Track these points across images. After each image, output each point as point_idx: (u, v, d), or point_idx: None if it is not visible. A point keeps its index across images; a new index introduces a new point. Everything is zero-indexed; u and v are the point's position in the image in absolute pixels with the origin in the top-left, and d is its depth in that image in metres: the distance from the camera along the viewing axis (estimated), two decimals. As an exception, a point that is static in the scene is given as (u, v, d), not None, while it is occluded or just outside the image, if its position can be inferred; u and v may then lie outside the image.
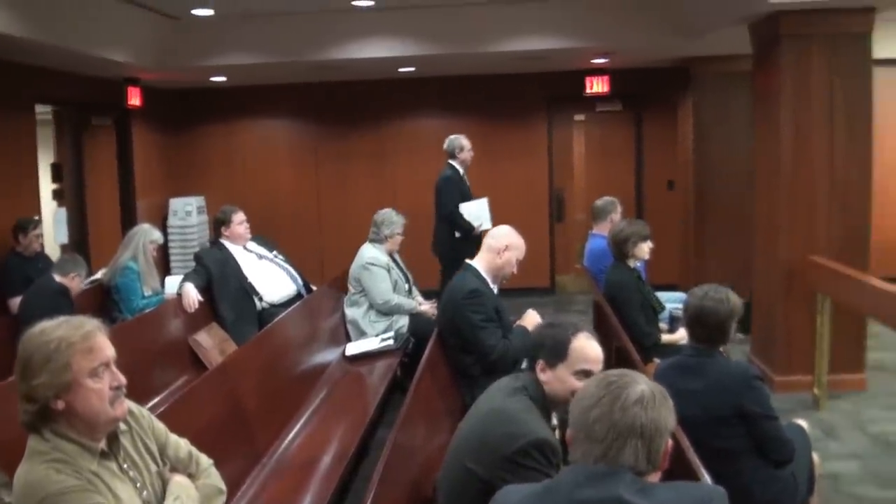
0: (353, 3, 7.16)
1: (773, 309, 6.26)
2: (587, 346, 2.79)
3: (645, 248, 5.30)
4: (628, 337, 4.49)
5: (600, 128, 10.22)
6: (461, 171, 7.53)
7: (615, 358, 4.47)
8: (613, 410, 1.91)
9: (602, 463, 1.91)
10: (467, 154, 7.53)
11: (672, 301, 5.80)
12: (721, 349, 3.35)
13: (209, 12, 7.23)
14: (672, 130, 9.86)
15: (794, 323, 6.11)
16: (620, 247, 5.26)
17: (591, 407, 1.94)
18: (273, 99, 10.13)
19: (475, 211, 7.43)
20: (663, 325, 5.39)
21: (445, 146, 7.57)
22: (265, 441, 4.11)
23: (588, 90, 9.66)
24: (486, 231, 7.23)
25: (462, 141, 7.52)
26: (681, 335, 4.89)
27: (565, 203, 10.27)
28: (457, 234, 7.39)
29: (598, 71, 9.53)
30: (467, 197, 7.47)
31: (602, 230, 6.22)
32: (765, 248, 6.44)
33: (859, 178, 5.99)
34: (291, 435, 4.37)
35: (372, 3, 7.19)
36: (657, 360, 4.51)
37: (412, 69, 8.97)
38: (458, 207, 7.37)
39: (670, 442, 1.98)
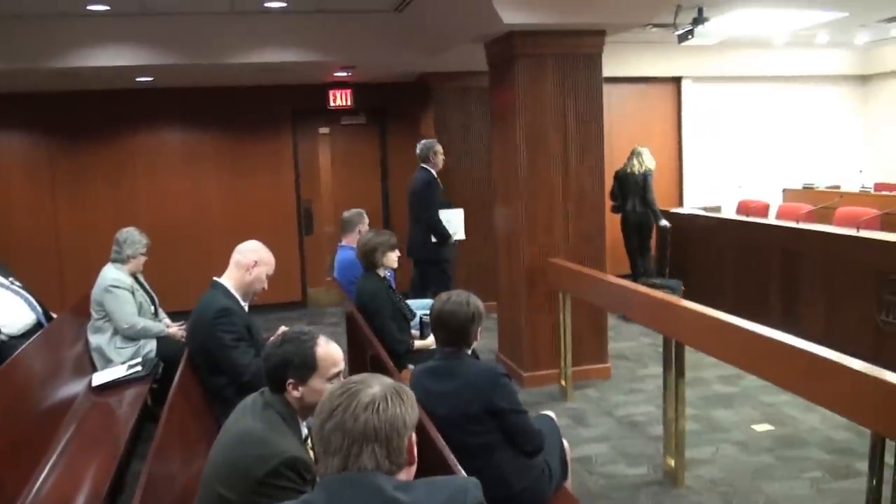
0: (88, 7, 6.74)
1: (517, 309, 6.62)
2: (331, 350, 2.82)
3: (393, 257, 5.38)
4: (381, 345, 4.54)
5: (346, 140, 10.31)
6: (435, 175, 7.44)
7: (370, 366, 4.52)
8: (345, 419, 1.93)
9: (350, 471, 1.92)
10: (440, 158, 7.45)
11: (422, 308, 5.95)
12: (469, 350, 3.50)
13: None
14: (415, 141, 10.11)
15: (538, 321, 6.49)
16: (369, 257, 5.31)
17: (325, 420, 1.96)
18: (1, 109, 9.25)
19: (452, 220, 7.42)
20: (415, 332, 5.50)
21: (418, 151, 7.48)
22: (15, 486, 3.76)
23: (332, 103, 9.74)
24: (459, 241, 7.55)
25: (435, 146, 7.44)
26: (432, 340, 5.04)
27: (314, 216, 10.26)
28: (433, 239, 7.31)
29: (341, 84, 9.63)
30: (442, 204, 7.44)
31: (351, 241, 6.27)
32: (507, 253, 6.79)
33: (593, 186, 6.49)
34: (42, 477, 4.02)
35: (107, 7, 6.81)
36: (411, 367, 4.63)
37: (150, 79, 8.56)
38: (437, 213, 7.28)
39: (413, 436, 2.01)
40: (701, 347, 4.26)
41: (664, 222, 8.65)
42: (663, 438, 4.76)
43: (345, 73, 8.93)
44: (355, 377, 2.07)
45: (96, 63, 7.28)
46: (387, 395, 1.98)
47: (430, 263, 7.42)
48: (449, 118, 9.31)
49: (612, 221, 9.17)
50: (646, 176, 8.58)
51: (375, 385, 2.00)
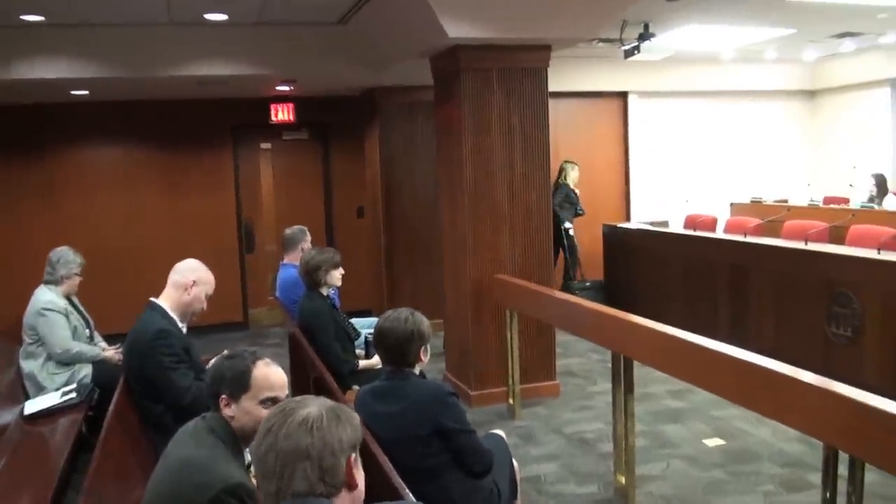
0: (22, 16, 6.59)
1: (463, 327, 6.62)
2: (269, 373, 2.77)
3: (337, 276, 5.36)
4: (325, 366, 4.50)
5: (288, 156, 10.25)
6: None
7: (314, 388, 4.48)
8: (278, 439, 1.90)
9: (284, 499, 1.88)
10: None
11: (366, 327, 5.90)
12: (414, 370, 3.47)
13: None
14: (360, 158, 10.15)
15: (485, 338, 6.50)
16: (312, 275, 5.28)
17: (261, 442, 1.93)
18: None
19: None
20: (360, 352, 5.48)
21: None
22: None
23: (274, 118, 9.67)
24: None
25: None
26: (377, 360, 5.01)
27: (255, 233, 10.16)
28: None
29: (283, 99, 9.58)
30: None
31: (293, 259, 6.22)
32: (453, 270, 6.80)
33: (539, 201, 6.54)
34: (-26, 514, 3.89)
35: (42, 17, 6.67)
36: (356, 387, 4.60)
37: (86, 92, 8.40)
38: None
39: (356, 459, 1.98)
40: (650, 363, 4.29)
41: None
42: (613, 455, 4.78)
43: (287, 87, 8.88)
44: (294, 399, 2.04)
45: (30, 75, 7.13)
46: (323, 414, 1.94)
47: None
48: (394, 133, 9.32)
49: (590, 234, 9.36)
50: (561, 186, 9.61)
51: (313, 405, 1.97)
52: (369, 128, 9.78)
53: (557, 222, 9.52)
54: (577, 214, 9.83)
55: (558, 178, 9.64)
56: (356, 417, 2.01)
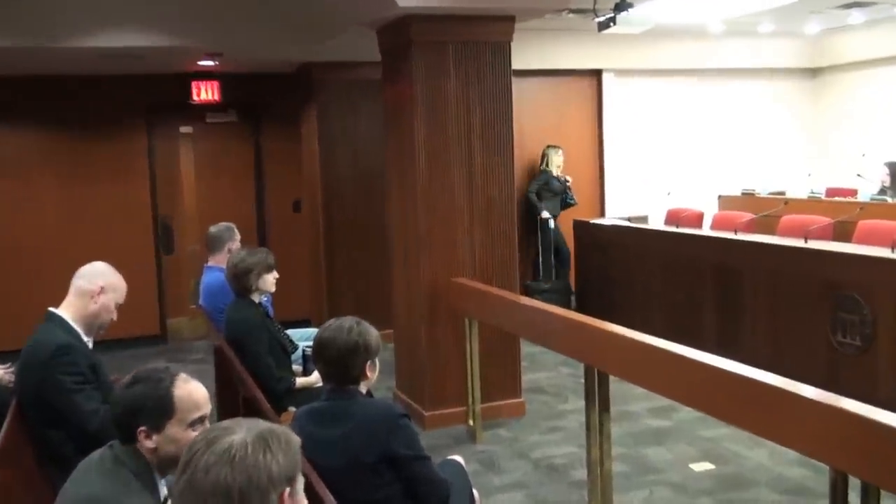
0: None
1: (416, 338, 6.62)
2: (193, 391, 2.73)
3: (270, 280, 5.34)
4: (258, 384, 4.48)
5: (212, 142, 10.18)
6: None
7: (244, 410, 4.44)
8: (196, 475, 1.86)
9: None
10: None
11: (305, 339, 5.91)
12: (359, 387, 3.45)
13: None
14: (296, 144, 10.10)
15: (440, 351, 6.51)
16: (241, 280, 5.25)
17: (179, 477, 1.89)
18: None
19: None
20: (297, 368, 5.47)
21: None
22: None
23: (195, 97, 9.57)
24: None
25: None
26: (317, 377, 5.00)
27: (174, 232, 10.06)
28: None
29: (206, 75, 9.48)
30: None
31: (219, 262, 6.17)
32: (404, 273, 6.80)
33: (502, 194, 6.56)
34: None
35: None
36: (293, 409, 4.56)
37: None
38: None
39: (287, 492, 1.92)
40: (628, 377, 4.32)
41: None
42: (587, 483, 4.79)
43: (211, 62, 8.79)
44: (224, 422, 1.99)
45: None
46: (249, 442, 1.89)
47: None
48: (336, 116, 9.29)
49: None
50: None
51: (240, 430, 1.92)
52: (307, 109, 9.75)
53: (534, 213, 10.01)
54: (566, 205, 10.11)
55: (541, 164, 10.13)
56: (294, 443, 1.96)
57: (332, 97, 9.28)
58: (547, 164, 10.10)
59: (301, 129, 10.01)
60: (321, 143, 9.30)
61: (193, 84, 9.54)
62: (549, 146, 10.15)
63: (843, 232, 7.94)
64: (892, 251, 6.27)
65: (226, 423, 1.99)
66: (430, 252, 6.43)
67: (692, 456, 5.76)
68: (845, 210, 8.38)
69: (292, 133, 10.10)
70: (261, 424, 1.98)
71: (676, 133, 11.26)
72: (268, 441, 1.91)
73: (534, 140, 10.07)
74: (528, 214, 10.08)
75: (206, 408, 2.75)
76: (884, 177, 9.45)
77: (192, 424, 2.69)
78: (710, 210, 10.05)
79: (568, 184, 10.13)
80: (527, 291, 9.18)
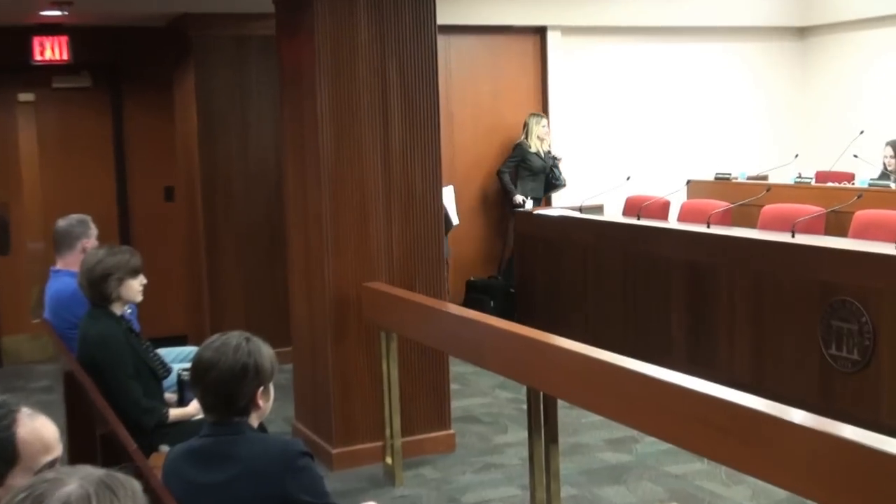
0: None
1: (320, 357, 6.60)
2: (41, 429, 2.67)
3: (135, 287, 5.28)
4: (120, 418, 4.41)
5: (61, 112, 10.07)
6: None
7: (101, 450, 4.38)
8: None
9: None
10: None
11: (180, 360, 5.90)
12: (253, 420, 3.42)
13: None
14: (168, 116, 10.01)
15: (351, 373, 6.49)
16: (99, 287, 5.18)
17: None
18: None
19: (447, 201, 7.88)
20: (170, 396, 5.42)
21: None
22: None
23: (38, 56, 9.37)
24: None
25: None
26: (196, 407, 4.95)
27: (10, 226, 9.91)
28: None
29: (52, 29, 9.30)
30: None
31: (70, 264, 6.08)
32: (305, 277, 6.78)
33: (425, 179, 6.57)
34: None
35: None
36: (165, 448, 4.50)
37: None
38: None
39: None
40: (580, 402, 4.34)
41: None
42: (533, 534, 4.83)
43: (58, 12, 8.63)
44: (45, 474, 1.95)
45: None
46: (91, 493, 1.84)
47: None
48: (218, 81, 9.20)
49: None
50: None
51: (74, 480, 1.87)
52: (182, 73, 9.66)
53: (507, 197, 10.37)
54: (552, 187, 10.42)
55: (522, 135, 10.46)
56: (140, 495, 1.92)
57: (214, 58, 9.18)
58: (527, 136, 10.33)
59: (174, 97, 9.92)
60: (200, 115, 9.19)
61: (35, 40, 9.33)
62: (531, 114, 10.43)
63: (837, 224, 8.08)
64: (896, 248, 6.39)
65: (48, 474, 1.94)
66: (338, 251, 6.41)
67: (658, 496, 5.82)
68: (840, 198, 8.50)
69: (163, 102, 10.00)
70: (96, 471, 1.93)
71: (637, 105, 11.37)
72: (114, 490, 1.87)
73: (464, 111, 10.13)
74: (505, 198, 10.38)
75: (57, 449, 2.69)
76: (886, 158, 9.60)
77: (41, 470, 2.63)
78: (678, 198, 10.17)
79: (556, 161, 10.36)
80: (467, 291, 9.26)
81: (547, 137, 10.38)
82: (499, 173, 10.32)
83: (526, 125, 10.36)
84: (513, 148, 10.35)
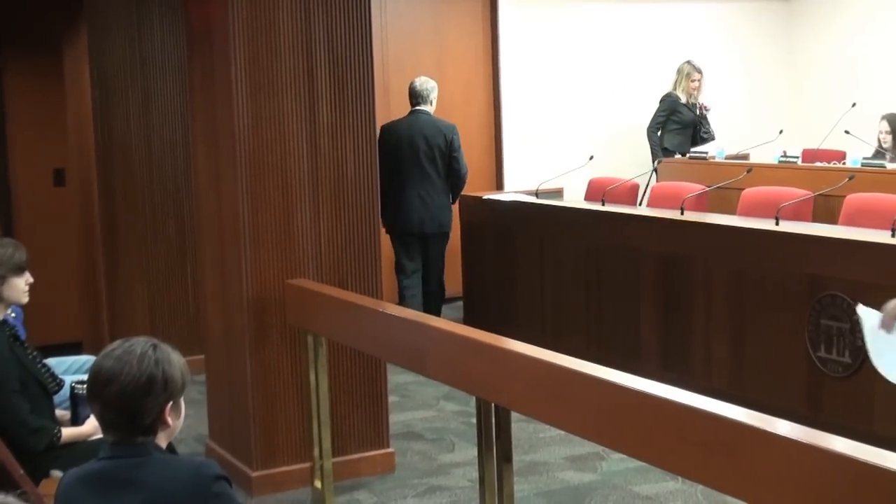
0: None
1: (237, 366, 6.58)
2: None
3: (20, 286, 5.24)
4: (4, 439, 4.41)
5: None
6: None
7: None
8: None
9: None
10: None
11: (74, 371, 5.87)
12: (161, 440, 3.40)
13: None
14: (57, 85, 9.93)
15: (273, 385, 6.47)
16: (-21, 286, 5.15)
17: None
18: None
19: None
20: (63, 413, 5.39)
21: (419, 88, 9.18)
22: None
23: None
24: None
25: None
26: (93, 425, 4.91)
27: None
28: None
29: None
30: None
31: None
32: (219, 275, 6.75)
33: (358, 160, 6.57)
34: None
35: None
36: (57, 473, 4.47)
37: None
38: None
39: None
40: (537, 414, 4.36)
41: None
42: (484, 566, 4.85)
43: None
44: None
45: None
46: None
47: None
48: (116, 45, 9.09)
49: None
50: None
51: None
52: (73, 33, 9.59)
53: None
54: (700, 140, 10.85)
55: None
56: None
57: (112, 18, 9.06)
58: (676, 86, 10.79)
59: (64, 62, 9.85)
60: (95, 84, 9.09)
61: None
62: (686, 61, 11.04)
63: (826, 209, 8.16)
64: (893, 235, 6.47)
65: None
66: (257, 244, 6.39)
67: (627, 522, 5.87)
68: (829, 179, 8.59)
69: (51, 68, 9.93)
70: None
71: (602, 75, 11.43)
72: None
73: (401, 81, 10.09)
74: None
75: None
76: (882, 134, 9.69)
77: None
78: (648, 181, 10.24)
79: (706, 111, 10.78)
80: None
81: (696, 92, 10.83)
82: (648, 132, 10.71)
83: (679, 73, 10.80)
84: (660, 101, 10.74)
